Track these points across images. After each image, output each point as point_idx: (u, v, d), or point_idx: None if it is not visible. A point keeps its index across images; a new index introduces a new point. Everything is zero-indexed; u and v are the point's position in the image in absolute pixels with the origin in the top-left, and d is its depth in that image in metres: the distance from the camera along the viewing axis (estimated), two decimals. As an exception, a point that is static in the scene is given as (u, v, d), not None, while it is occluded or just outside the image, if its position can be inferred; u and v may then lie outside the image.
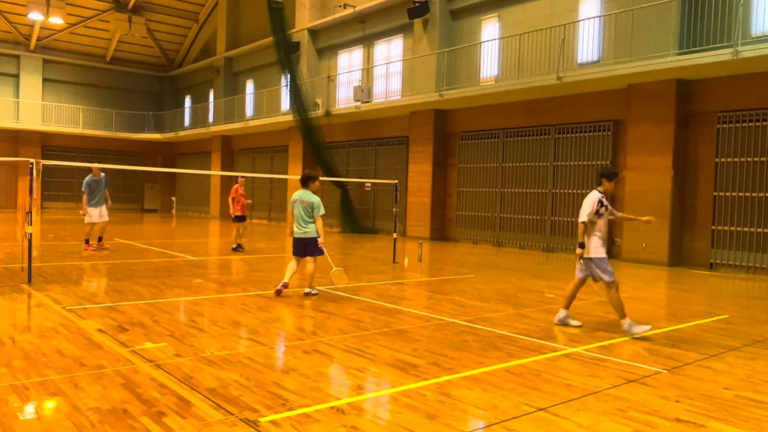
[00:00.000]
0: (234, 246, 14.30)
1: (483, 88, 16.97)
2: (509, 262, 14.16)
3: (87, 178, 13.06)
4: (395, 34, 21.65)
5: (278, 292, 8.30)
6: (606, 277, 6.55)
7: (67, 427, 3.60)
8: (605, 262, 6.61)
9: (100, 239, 13.51)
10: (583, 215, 6.66)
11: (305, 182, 8.43)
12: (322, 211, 8.29)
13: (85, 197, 13.05)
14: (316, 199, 8.28)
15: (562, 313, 6.95)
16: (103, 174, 13.30)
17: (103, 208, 13.24)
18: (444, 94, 17.78)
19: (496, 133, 18.07)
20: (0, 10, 30.33)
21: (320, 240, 8.24)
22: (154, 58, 36.61)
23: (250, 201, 14.46)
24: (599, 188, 6.84)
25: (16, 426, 3.60)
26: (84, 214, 13.12)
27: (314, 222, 8.28)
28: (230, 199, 14.27)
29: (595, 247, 6.64)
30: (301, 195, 8.33)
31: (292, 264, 8.47)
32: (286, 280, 8.35)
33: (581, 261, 6.73)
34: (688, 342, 6.32)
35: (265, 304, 7.81)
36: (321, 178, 8.97)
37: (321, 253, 8.36)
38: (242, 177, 14.33)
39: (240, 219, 14.30)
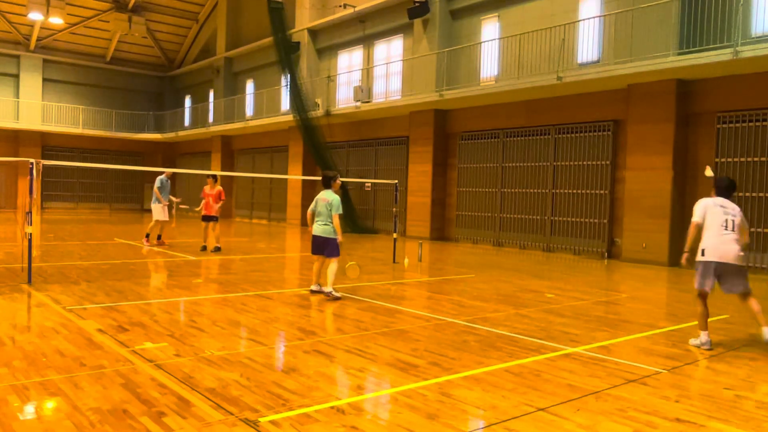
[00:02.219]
0: (201, 247, 14.06)
1: (483, 88, 16.97)
2: (509, 262, 14.16)
3: (162, 177, 14.68)
4: (395, 34, 21.65)
5: (313, 292, 8.61)
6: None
7: (67, 427, 3.59)
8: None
9: (159, 237, 15.05)
10: None
11: (327, 182, 8.60)
12: (340, 210, 8.37)
13: (158, 193, 14.50)
14: (335, 197, 8.40)
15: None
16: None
17: (167, 208, 14.75)
18: (444, 94, 17.78)
19: (496, 133, 18.07)
20: (0, 10, 30.32)
21: (339, 238, 8.33)
22: (154, 58, 36.59)
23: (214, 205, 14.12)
24: None
25: (16, 426, 3.60)
26: (178, 203, 15.47)
27: (332, 221, 8.40)
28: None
29: None
30: (323, 194, 8.48)
31: (315, 266, 8.66)
32: (314, 286, 8.65)
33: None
34: (688, 342, 6.32)
35: (265, 304, 7.81)
36: (320, 179, 8.98)
37: (338, 254, 8.42)
38: (209, 177, 14.18)
39: (203, 219, 14.07)
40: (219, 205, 14.00)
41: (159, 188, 14.62)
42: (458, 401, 4.26)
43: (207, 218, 14.01)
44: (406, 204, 20.30)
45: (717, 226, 6.04)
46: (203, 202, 14.06)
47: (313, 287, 8.65)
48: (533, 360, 5.43)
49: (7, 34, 31.40)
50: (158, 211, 14.63)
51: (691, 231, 6.19)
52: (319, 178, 9.14)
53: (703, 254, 6.10)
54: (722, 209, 6.09)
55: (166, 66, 37.24)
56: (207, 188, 14.02)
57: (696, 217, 6.14)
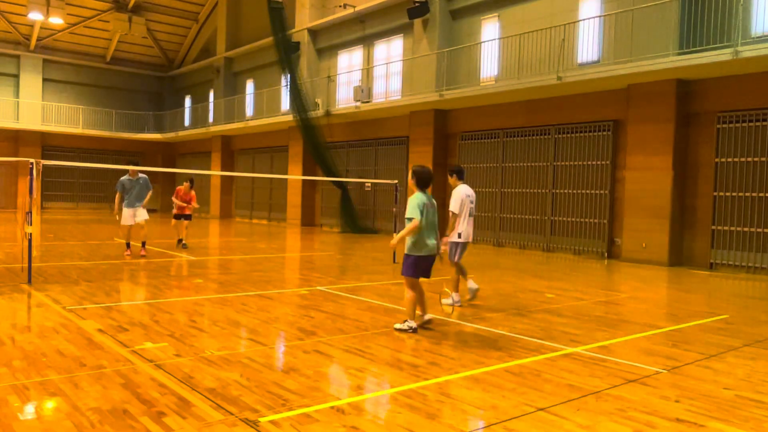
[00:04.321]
0: (177, 241, 14.94)
1: (483, 88, 16.97)
2: (509, 262, 14.16)
3: (124, 178, 12.37)
4: (395, 34, 21.65)
5: (430, 321, 6.67)
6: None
7: (67, 427, 3.59)
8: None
9: (143, 244, 12.82)
10: None
11: (430, 180, 6.79)
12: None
13: (117, 197, 12.50)
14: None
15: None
16: (142, 175, 12.48)
17: (139, 210, 12.40)
18: (444, 94, 17.78)
19: (496, 133, 18.07)
20: (0, 10, 30.33)
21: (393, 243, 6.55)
22: (154, 58, 36.60)
23: (184, 204, 14.78)
24: None
25: (16, 426, 3.60)
26: (116, 216, 12.67)
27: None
28: (173, 198, 15.15)
29: None
30: (428, 198, 6.68)
31: (419, 289, 6.76)
32: (429, 315, 6.74)
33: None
34: (688, 342, 6.32)
35: (265, 304, 7.81)
36: (320, 179, 8.88)
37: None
38: (186, 181, 14.97)
39: (176, 217, 14.95)
40: (192, 207, 15.08)
41: (121, 191, 12.37)
42: (458, 401, 4.26)
43: (180, 216, 14.91)
44: (406, 204, 20.25)
45: (467, 215, 7.94)
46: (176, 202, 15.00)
47: (429, 319, 6.71)
48: (533, 360, 5.43)
49: (7, 34, 31.41)
50: (124, 215, 12.50)
51: (452, 220, 7.90)
52: (318, 178, 8.92)
53: (459, 237, 7.91)
54: (468, 199, 7.97)
55: (166, 66, 37.24)
56: (182, 190, 14.89)
57: (455, 209, 7.86)
